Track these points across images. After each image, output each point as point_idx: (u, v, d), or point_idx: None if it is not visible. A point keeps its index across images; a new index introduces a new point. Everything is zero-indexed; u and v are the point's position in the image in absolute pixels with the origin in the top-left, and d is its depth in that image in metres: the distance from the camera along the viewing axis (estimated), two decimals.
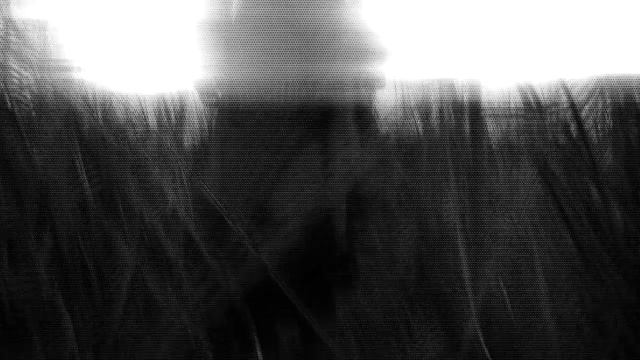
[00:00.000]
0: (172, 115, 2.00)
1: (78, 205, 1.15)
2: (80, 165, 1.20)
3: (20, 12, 1.50)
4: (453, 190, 1.29)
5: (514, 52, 1.43)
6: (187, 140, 1.98)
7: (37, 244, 1.08)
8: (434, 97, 1.69)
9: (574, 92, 1.29)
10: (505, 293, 1.28)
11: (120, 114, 1.77)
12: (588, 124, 1.35)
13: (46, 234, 1.09)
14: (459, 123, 1.46)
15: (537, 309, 1.20)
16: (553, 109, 1.34)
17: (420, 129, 1.71)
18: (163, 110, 1.99)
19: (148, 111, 2.00)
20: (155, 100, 2.01)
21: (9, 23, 1.42)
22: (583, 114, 1.31)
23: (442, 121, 1.58)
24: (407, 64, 1.54)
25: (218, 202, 0.96)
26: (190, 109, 2.01)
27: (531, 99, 1.32)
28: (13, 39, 1.42)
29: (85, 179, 1.19)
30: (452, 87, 1.55)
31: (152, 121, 2.02)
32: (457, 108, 1.49)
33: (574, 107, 1.23)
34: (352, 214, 1.11)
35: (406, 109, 1.84)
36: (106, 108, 1.63)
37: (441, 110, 1.60)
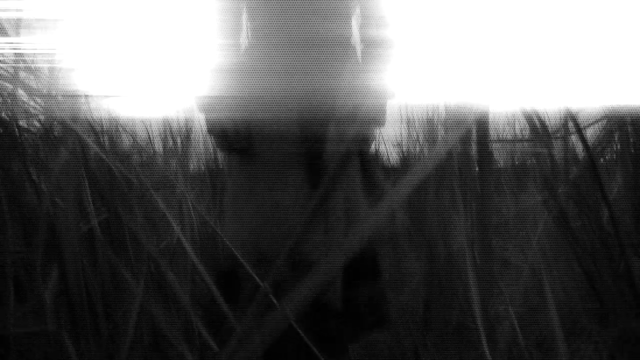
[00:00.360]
0: (178, 140, 2.00)
1: (85, 236, 1.14)
2: (87, 195, 1.19)
3: (28, 40, 1.51)
4: (461, 217, 1.27)
5: (522, 78, 1.43)
6: (193, 164, 1.98)
7: (43, 276, 1.07)
8: (439, 122, 1.69)
9: (582, 119, 1.28)
10: (516, 322, 1.26)
11: (126, 139, 1.77)
12: (596, 150, 1.34)
13: (53, 266, 1.08)
14: (465, 149, 1.46)
15: (550, 338, 1.18)
16: (560, 135, 1.33)
17: (426, 155, 1.70)
18: (169, 134, 2.00)
19: (154, 135, 2.01)
20: (161, 123, 2.02)
21: (17, 52, 1.43)
22: (590, 140, 1.30)
23: (448, 147, 1.57)
24: (413, 88, 1.54)
25: (237, 250, 0.96)
26: (196, 132, 2.01)
27: (538, 125, 1.32)
28: (21, 67, 1.43)
29: (92, 209, 1.19)
30: (457, 111, 1.55)
31: (158, 145, 2.02)
32: (463, 133, 1.48)
33: (581, 134, 1.23)
34: (360, 261, 1.10)
35: (411, 135, 1.84)
36: (112, 134, 1.63)
37: (447, 135, 1.59)
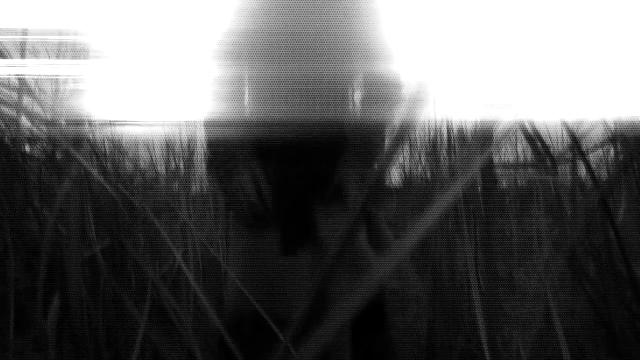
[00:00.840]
0: (181, 162, 2.00)
1: (87, 263, 1.13)
2: (90, 222, 1.19)
3: (32, 64, 1.52)
4: (466, 241, 1.27)
5: (525, 95, 1.42)
6: (196, 187, 1.98)
7: (44, 304, 1.06)
8: (442, 144, 1.68)
9: (586, 137, 1.27)
10: (522, 345, 1.25)
11: (129, 163, 1.77)
12: (600, 170, 1.33)
13: (54, 294, 1.07)
14: (469, 172, 1.45)
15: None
16: (565, 156, 1.32)
17: (429, 177, 1.70)
18: (172, 156, 1.99)
19: (157, 158, 2.01)
20: (164, 145, 2.02)
21: (22, 79, 1.43)
22: (595, 159, 1.29)
23: (451, 170, 1.57)
24: (419, 108, 1.53)
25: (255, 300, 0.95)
26: (199, 155, 2.01)
27: (542, 151, 1.31)
28: (25, 91, 1.43)
29: (95, 236, 1.18)
30: (462, 132, 1.55)
31: (161, 168, 2.02)
32: (467, 156, 1.47)
33: (584, 154, 1.22)
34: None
35: (414, 157, 1.83)
36: (115, 158, 1.63)
37: (450, 158, 1.59)
